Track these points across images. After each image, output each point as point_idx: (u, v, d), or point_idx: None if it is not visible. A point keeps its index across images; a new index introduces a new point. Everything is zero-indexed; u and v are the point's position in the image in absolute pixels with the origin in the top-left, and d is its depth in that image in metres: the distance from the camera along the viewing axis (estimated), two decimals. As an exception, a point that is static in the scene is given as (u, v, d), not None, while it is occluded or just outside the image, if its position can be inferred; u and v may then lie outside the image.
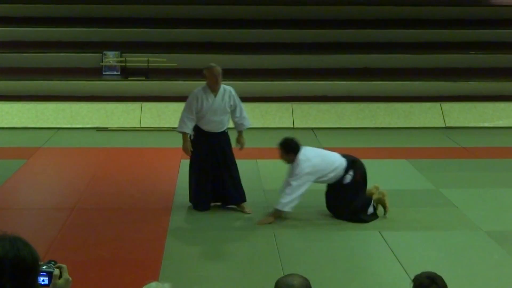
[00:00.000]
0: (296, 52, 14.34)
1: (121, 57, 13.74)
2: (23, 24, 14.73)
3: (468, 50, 14.66)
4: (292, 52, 14.33)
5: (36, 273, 2.44)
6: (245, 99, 11.12)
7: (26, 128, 12.23)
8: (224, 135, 7.81)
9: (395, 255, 6.60)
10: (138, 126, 12.42)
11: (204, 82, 7.75)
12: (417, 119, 12.83)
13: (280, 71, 13.91)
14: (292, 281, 3.09)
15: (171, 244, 6.89)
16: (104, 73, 13.76)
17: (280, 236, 7.08)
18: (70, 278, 2.64)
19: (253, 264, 6.47)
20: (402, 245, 6.89)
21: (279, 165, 9.62)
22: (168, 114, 12.25)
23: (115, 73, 13.75)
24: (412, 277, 3.65)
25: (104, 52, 13.79)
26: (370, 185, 7.69)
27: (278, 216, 7.48)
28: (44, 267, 2.56)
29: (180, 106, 7.91)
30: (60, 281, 2.60)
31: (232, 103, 7.72)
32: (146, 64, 13.37)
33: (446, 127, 12.69)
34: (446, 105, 13.03)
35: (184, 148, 7.77)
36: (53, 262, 2.63)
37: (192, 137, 7.78)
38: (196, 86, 7.91)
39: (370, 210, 7.56)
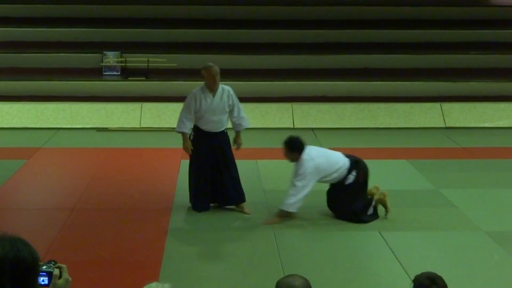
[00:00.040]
0: (296, 53, 14.35)
1: (121, 57, 13.74)
2: (23, 24, 14.73)
3: (468, 51, 14.66)
4: (292, 53, 14.34)
5: (36, 273, 2.44)
6: (245, 99, 11.14)
7: (26, 128, 12.24)
8: (223, 135, 7.81)
9: (395, 255, 6.60)
10: (138, 126, 12.42)
11: (203, 83, 7.75)
12: (417, 119, 12.83)
13: (280, 71, 13.92)
14: (294, 282, 3.08)
15: (171, 245, 6.89)
16: (104, 73, 13.76)
17: (280, 236, 7.08)
18: (70, 278, 2.64)
19: (253, 265, 6.47)
20: (402, 245, 6.89)
21: (279, 166, 9.64)
22: (168, 114, 12.24)
23: (115, 73, 13.76)
24: (412, 277, 3.65)
25: (104, 52, 13.80)
26: (370, 185, 7.69)
27: (283, 216, 7.48)
28: (44, 267, 2.56)
29: (180, 107, 7.91)
30: (60, 281, 2.60)
31: (230, 102, 7.72)
32: (146, 64, 13.37)
33: (446, 127, 12.69)
34: (446, 105, 13.03)
35: (185, 148, 7.78)
36: (53, 262, 2.63)
37: (191, 137, 7.79)
38: (196, 86, 7.91)
39: (370, 210, 7.56)
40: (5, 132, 12.04)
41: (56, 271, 2.59)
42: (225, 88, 7.74)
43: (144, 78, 13.33)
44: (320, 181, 7.51)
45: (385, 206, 7.63)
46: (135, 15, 15.29)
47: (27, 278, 2.37)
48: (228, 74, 11.72)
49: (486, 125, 12.79)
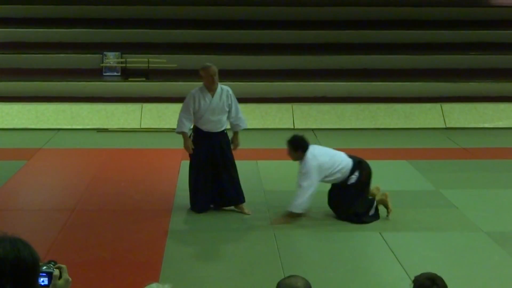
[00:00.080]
0: (296, 53, 14.35)
1: (121, 58, 13.74)
2: (24, 25, 14.73)
3: (468, 51, 14.66)
4: (292, 53, 14.34)
5: (37, 274, 2.44)
6: (245, 100, 11.16)
7: (26, 129, 12.24)
8: (223, 135, 7.80)
9: (395, 256, 6.60)
10: (139, 127, 12.42)
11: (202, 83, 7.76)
12: (417, 120, 12.83)
13: (280, 72, 13.92)
14: (297, 283, 3.08)
15: (172, 245, 6.89)
16: (104, 74, 13.76)
17: (281, 236, 7.08)
18: (70, 279, 2.63)
19: (253, 265, 6.47)
20: (402, 246, 6.89)
21: (280, 166, 9.65)
22: (169, 115, 12.24)
23: (115, 74, 13.76)
24: (413, 278, 3.64)
25: (105, 53, 13.80)
26: (371, 186, 7.69)
27: (292, 216, 7.48)
28: (44, 268, 2.56)
29: (180, 107, 7.91)
30: (60, 282, 2.59)
31: (230, 102, 7.72)
32: (147, 65, 13.38)
33: (446, 128, 12.69)
34: (447, 106, 13.03)
35: (186, 147, 7.77)
36: (53, 263, 2.63)
37: (191, 138, 7.79)
38: (197, 87, 7.91)
39: (372, 211, 7.56)
40: (5, 132, 12.04)
41: (56, 272, 2.59)
42: (224, 88, 7.74)
43: (144, 79, 13.34)
44: (323, 181, 7.50)
45: (386, 207, 7.62)
46: (135, 16, 15.30)
47: (27, 279, 2.37)
48: (228, 75, 11.73)
49: (486, 125, 12.79)
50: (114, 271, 6.35)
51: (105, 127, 12.37)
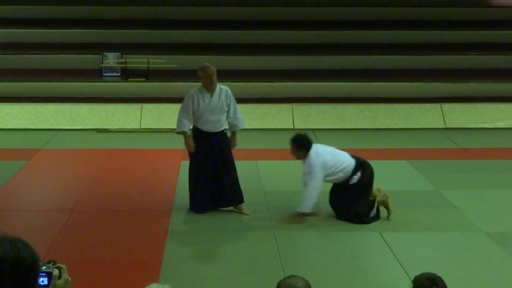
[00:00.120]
0: (296, 53, 14.35)
1: (121, 58, 13.74)
2: (23, 25, 14.74)
3: (468, 51, 14.66)
4: (292, 53, 14.34)
5: (36, 274, 2.44)
6: (245, 100, 11.17)
7: (26, 129, 12.24)
8: (222, 135, 7.80)
9: (395, 256, 6.60)
10: (138, 127, 12.42)
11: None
12: (417, 120, 12.83)
13: (280, 72, 13.92)
14: (297, 284, 3.08)
15: (172, 245, 6.89)
16: (104, 74, 13.76)
17: (280, 236, 7.08)
18: (70, 279, 2.63)
19: (253, 265, 6.47)
20: (402, 246, 6.89)
21: (280, 166, 9.66)
22: (168, 115, 12.24)
23: (115, 74, 13.76)
24: (412, 278, 3.64)
25: (104, 53, 13.80)
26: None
27: (301, 216, 7.48)
28: (43, 268, 2.56)
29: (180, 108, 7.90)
30: (60, 282, 2.59)
31: (229, 102, 7.72)
32: (146, 65, 13.38)
33: (446, 128, 12.69)
34: (446, 106, 13.03)
35: (187, 146, 7.74)
36: (52, 263, 2.63)
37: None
38: (196, 87, 7.91)
39: (373, 212, 7.56)
40: (5, 133, 12.04)
41: (55, 272, 2.59)
42: (223, 88, 7.74)
43: (144, 79, 13.34)
44: (325, 180, 7.50)
45: (387, 208, 7.62)
46: (135, 16, 15.30)
47: (27, 279, 2.37)
48: (228, 75, 11.74)
49: (486, 125, 12.80)
50: (114, 271, 6.35)
51: (105, 127, 12.37)
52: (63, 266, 2.63)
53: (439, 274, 3.60)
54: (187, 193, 7.96)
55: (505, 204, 8.27)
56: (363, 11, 15.82)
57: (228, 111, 7.75)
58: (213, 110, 7.65)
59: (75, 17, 15.17)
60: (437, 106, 13.03)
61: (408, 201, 8.31)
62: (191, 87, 7.98)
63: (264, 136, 11.78)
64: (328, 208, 7.69)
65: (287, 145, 7.64)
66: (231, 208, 7.89)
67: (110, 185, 8.99)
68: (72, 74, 13.58)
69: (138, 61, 13.53)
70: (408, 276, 5.93)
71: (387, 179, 8.95)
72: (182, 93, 8.69)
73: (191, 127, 7.81)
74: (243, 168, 8.23)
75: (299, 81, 13.46)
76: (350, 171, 7.47)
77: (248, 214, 7.77)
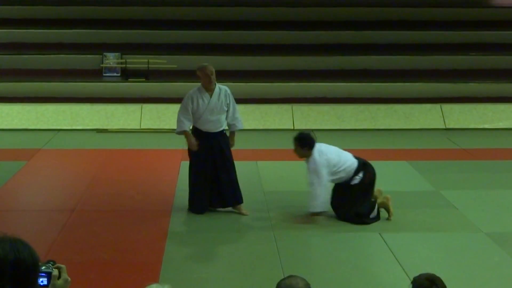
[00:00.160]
0: (296, 54, 14.35)
1: (121, 58, 13.75)
2: (23, 25, 14.74)
3: (468, 52, 14.66)
4: (292, 54, 14.34)
5: (36, 274, 2.44)
6: (245, 100, 11.17)
7: (26, 129, 12.24)
8: (222, 136, 7.80)
9: (395, 256, 6.60)
10: (138, 127, 12.42)
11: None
12: (417, 121, 12.83)
13: (280, 72, 13.92)
14: (296, 284, 3.08)
15: (172, 246, 6.89)
16: (104, 74, 13.77)
17: (280, 237, 7.08)
18: (69, 279, 2.64)
19: (253, 266, 6.47)
20: (402, 247, 6.89)
21: (280, 167, 9.66)
22: (168, 116, 12.24)
23: (115, 74, 13.76)
24: (412, 279, 3.65)
25: (104, 53, 13.80)
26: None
27: (314, 216, 7.47)
28: (43, 268, 2.56)
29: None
30: (59, 282, 2.60)
31: (228, 102, 7.72)
32: (146, 65, 13.38)
33: (446, 129, 12.69)
34: (446, 107, 13.03)
35: (190, 144, 7.70)
36: (52, 263, 2.63)
37: (191, 137, 7.79)
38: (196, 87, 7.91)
39: (374, 213, 7.56)
40: (5, 133, 12.04)
41: (55, 272, 2.59)
42: (223, 88, 7.74)
43: (144, 80, 13.34)
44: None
45: (387, 210, 7.62)
46: (135, 17, 15.31)
47: (27, 279, 2.37)
48: (228, 76, 11.74)
49: (486, 126, 12.80)
50: (114, 271, 6.35)
51: (105, 127, 12.38)
52: (62, 266, 2.63)
53: (438, 275, 3.60)
54: (187, 194, 7.96)
55: (505, 205, 8.27)
56: (363, 11, 15.82)
57: (227, 111, 7.75)
58: (213, 110, 7.64)
59: (75, 17, 15.18)
60: (437, 106, 13.03)
61: (408, 201, 8.31)
62: (191, 87, 7.98)
63: (264, 137, 11.78)
64: (328, 208, 7.68)
65: (287, 146, 7.64)
66: (230, 208, 7.88)
67: (110, 185, 8.99)
68: (72, 74, 13.59)
69: (138, 61, 13.53)
70: (408, 276, 5.93)
71: (387, 179, 8.94)
72: (182, 93, 8.69)
73: (191, 127, 7.81)
74: (243, 168, 8.23)
75: (299, 82, 13.46)
76: (352, 171, 7.47)
77: (247, 215, 7.77)
